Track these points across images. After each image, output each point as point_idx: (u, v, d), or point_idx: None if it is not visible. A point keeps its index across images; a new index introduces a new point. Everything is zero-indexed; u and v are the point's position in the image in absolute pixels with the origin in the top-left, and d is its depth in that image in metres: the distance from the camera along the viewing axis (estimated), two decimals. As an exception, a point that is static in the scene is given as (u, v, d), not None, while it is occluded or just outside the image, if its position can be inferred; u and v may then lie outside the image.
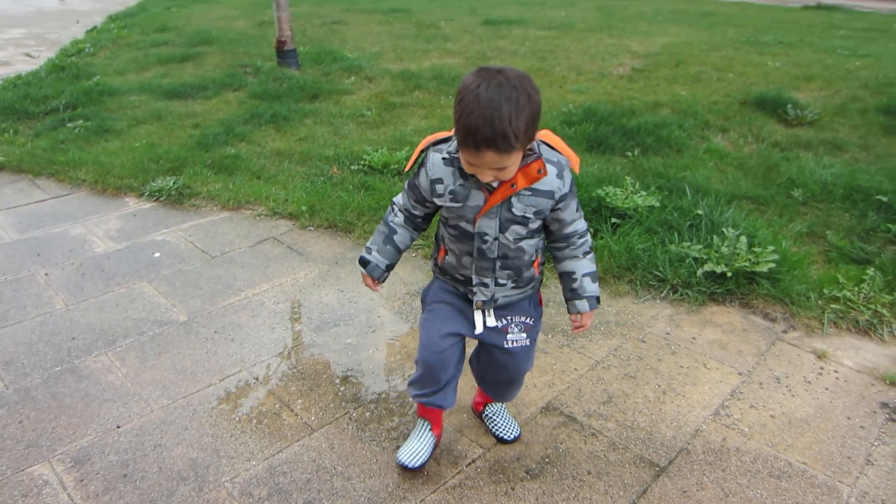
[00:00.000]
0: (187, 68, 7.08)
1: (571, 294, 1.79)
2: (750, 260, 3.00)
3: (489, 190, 1.59)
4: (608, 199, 3.54)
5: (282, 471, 2.00)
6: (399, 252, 1.86)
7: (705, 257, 3.07)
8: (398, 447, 2.06)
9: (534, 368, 2.47)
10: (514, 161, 1.46)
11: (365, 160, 4.33)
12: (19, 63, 7.83)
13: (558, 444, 2.12)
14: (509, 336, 1.80)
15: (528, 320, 1.82)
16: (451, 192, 1.62)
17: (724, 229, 3.23)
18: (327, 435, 2.15)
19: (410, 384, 1.92)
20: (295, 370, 2.48)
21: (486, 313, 1.78)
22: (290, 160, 4.55)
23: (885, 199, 3.69)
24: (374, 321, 2.80)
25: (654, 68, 6.63)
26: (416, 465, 1.96)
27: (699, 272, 3.00)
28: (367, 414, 2.25)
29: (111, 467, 2.02)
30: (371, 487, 1.94)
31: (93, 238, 3.59)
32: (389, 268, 1.88)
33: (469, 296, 1.79)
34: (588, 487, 1.95)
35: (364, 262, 1.87)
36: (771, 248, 3.06)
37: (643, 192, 3.64)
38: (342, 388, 2.38)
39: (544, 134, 1.65)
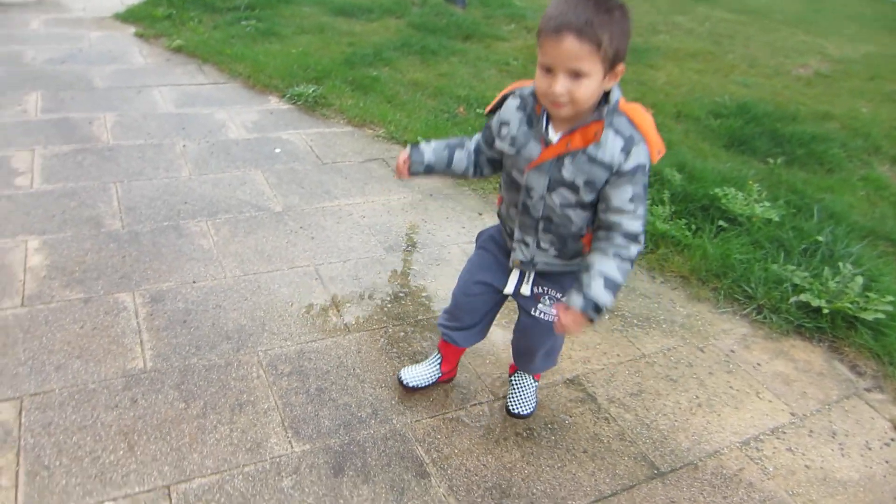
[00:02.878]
0: (362, -11, 7.39)
1: (576, 285, 1.56)
2: (857, 303, 2.71)
3: (547, 144, 1.52)
4: (723, 200, 3.32)
5: (308, 357, 2.20)
6: (448, 164, 1.73)
7: (806, 287, 2.82)
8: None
9: (575, 342, 2.47)
10: (592, 67, 1.33)
11: (492, 107, 4.35)
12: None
13: (567, 416, 2.12)
14: (539, 305, 1.75)
15: (563, 298, 1.70)
16: (512, 137, 1.57)
17: (841, 263, 2.93)
18: (359, 340, 2.31)
19: (443, 312, 2.00)
20: (355, 278, 2.65)
21: (526, 278, 1.74)
22: (424, 92, 4.68)
23: None
24: (443, 255, 2.89)
25: (843, 77, 5.93)
26: (411, 385, 2.08)
27: (791, 300, 2.77)
28: (402, 333, 2.37)
29: (177, 312, 2.32)
30: (378, 395, 2.08)
31: (231, 125, 3.97)
32: (429, 168, 1.74)
33: (510, 250, 1.75)
34: (577, 464, 1.95)
35: (414, 144, 1.76)
36: (890, 298, 2.74)
37: (767, 203, 3.37)
38: (389, 305, 2.51)
39: (633, 108, 1.50)
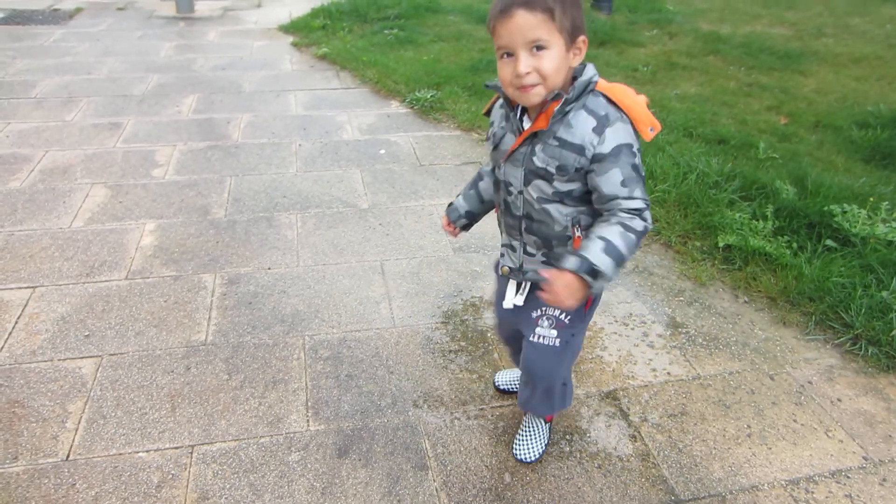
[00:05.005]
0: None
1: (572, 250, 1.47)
2: None
3: (520, 133, 1.47)
4: (837, 219, 2.95)
5: (348, 345, 2.34)
6: (482, 201, 1.75)
7: (922, 320, 2.43)
8: (446, 367, 2.24)
9: (623, 354, 2.37)
10: (551, 38, 1.30)
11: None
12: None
13: (589, 429, 2.05)
14: (538, 329, 1.64)
15: (562, 316, 1.62)
16: (493, 135, 1.55)
17: (977, 296, 2.48)
18: (402, 334, 2.41)
19: None
20: (415, 275, 2.76)
21: (521, 289, 1.65)
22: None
23: None
24: (507, 260, 2.90)
25: None
26: (501, 387, 2.17)
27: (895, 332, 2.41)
28: (445, 334, 2.43)
29: (245, 294, 2.59)
30: (402, 388, 2.17)
31: (347, 126, 4.28)
32: (469, 215, 1.78)
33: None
34: (586, 478, 1.88)
35: (449, 205, 1.82)
36: None
37: (895, 224, 2.94)
38: (441, 303, 2.59)
39: (614, 87, 1.42)
